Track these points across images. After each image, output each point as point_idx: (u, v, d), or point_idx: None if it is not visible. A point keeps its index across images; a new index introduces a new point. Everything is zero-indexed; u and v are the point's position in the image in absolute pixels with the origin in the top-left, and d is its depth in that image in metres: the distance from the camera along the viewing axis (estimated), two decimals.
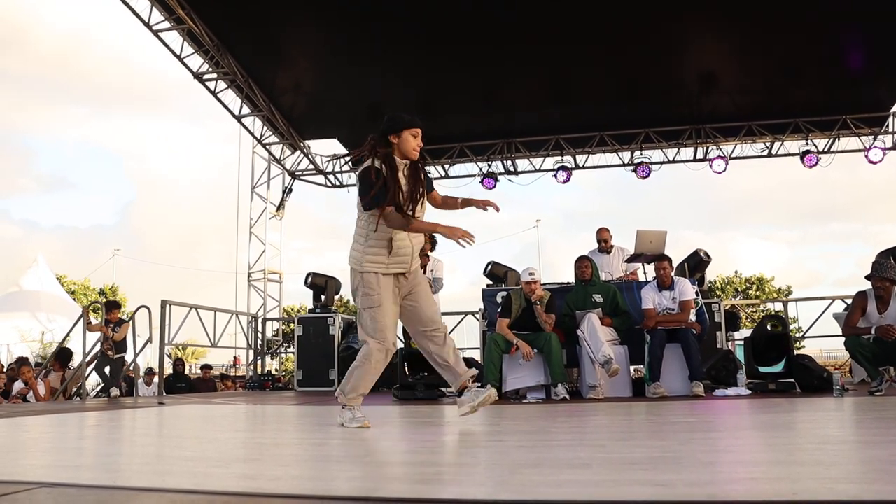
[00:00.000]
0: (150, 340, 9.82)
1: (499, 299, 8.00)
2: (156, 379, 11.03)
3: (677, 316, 7.13)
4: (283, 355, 14.77)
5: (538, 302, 7.00)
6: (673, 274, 7.48)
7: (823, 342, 13.70)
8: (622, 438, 3.34)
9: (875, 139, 12.93)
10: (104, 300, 12.96)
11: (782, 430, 3.75)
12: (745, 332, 9.46)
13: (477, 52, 11.20)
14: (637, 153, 13.50)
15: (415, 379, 7.67)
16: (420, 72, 11.94)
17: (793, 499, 1.84)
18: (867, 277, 6.61)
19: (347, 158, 13.61)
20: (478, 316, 10.29)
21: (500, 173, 13.92)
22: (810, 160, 12.80)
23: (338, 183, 14.77)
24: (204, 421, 5.14)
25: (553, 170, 13.59)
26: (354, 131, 13.93)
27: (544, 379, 6.90)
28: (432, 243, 8.62)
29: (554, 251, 59.47)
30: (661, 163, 13.57)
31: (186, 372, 15.59)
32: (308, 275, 11.09)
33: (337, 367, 10.23)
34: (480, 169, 13.94)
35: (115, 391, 9.63)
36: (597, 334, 6.74)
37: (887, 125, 12.97)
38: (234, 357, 22.06)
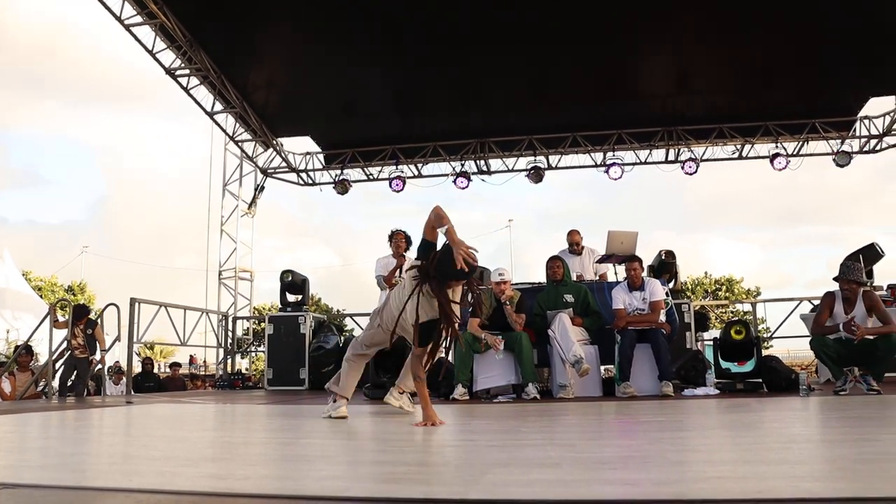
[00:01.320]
0: (118, 339, 9.72)
1: (470, 298, 8.00)
2: (124, 378, 10.93)
3: (647, 316, 7.19)
4: (254, 354, 14.68)
5: (508, 302, 7.03)
6: (643, 275, 7.55)
7: (791, 342, 13.87)
8: (592, 438, 3.36)
9: (843, 143, 13.12)
10: (72, 298, 12.80)
11: (749, 430, 3.80)
12: (715, 333, 9.56)
13: (452, 52, 11.19)
14: (609, 154, 13.56)
15: (386, 378, 7.65)
16: (394, 71, 11.90)
17: (759, 497, 1.87)
18: (835, 279, 6.71)
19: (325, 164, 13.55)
20: None
21: (474, 173, 13.92)
22: (780, 163, 12.95)
23: (310, 181, 14.68)
24: (172, 420, 5.10)
25: (526, 170, 13.62)
26: (328, 129, 13.88)
27: (515, 378, 6.93)
28: (407, 244, 8.62)
29: (527, 251, 59.59)
30: (634, 164, 13.65)
31: (155, 371, 15.45)
32: (285, 272, 11.01)
33: (308, 366, 10.18)
34: (454, 168, 13.94)
35: (81, 390, 9.52)
36: (567, 334, 6.77)
37: (854, 129, 13.16)
38: (191, 356, 21.86)
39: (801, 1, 10.01)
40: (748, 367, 7.31)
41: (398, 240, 8.56)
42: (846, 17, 10.28)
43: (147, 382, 12.94)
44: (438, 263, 4.10)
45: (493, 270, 7.36)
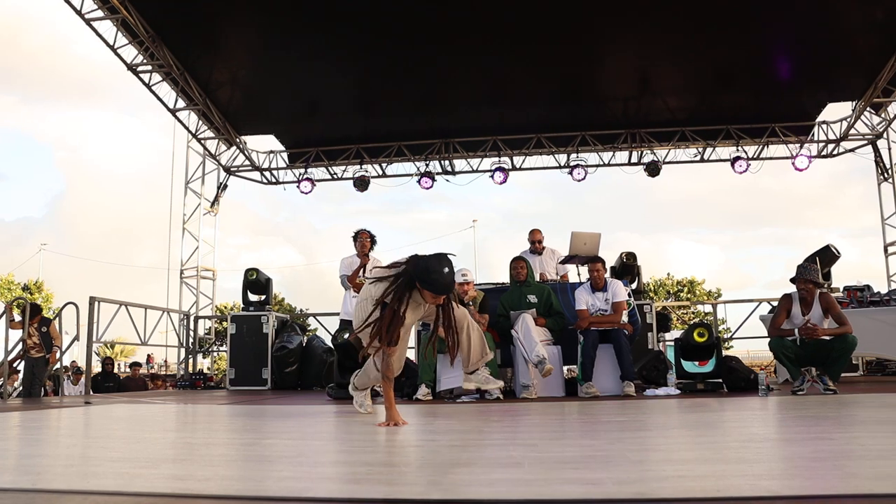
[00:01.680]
0: (77, 338, 9.57)
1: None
2: (83, 378, 10.76)
3: (610, 317, 7.24)
4: (216, 354, 14.55)
5: (471, 303, 7.05)
6: (606, 276, 7.60)
7: (750, 343, 14.11)
8: (554, 438, 3.38)
9: (801, 147, 13.35)
10: (29, 297, 12.57)
11: (709, 429, 3.84)
12: (676, 333, 9.67)
13: (417, 52, 11.20)
14: (573, 156, 13.66)
15: (349, 378, 7.61)
16: (360, 70, 11.87)
17: (718, 495, 1.89)
18: (792, 280, 6.82)
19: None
20: None
21: (438, 173, 13.95)
22: (740, 166, 13.15)
23: (274, 180, 14.58)
24: (132, 421, 5.03)
25: (490, 170, 13.67)
26: (292, 128, 13.81)
27: None
28: (371, 243, 8.61)
29: (492, 251, 59.84)
30: (597, 166, 13.78)
31: (115, 370, 15.24)
32: (249, 270, 10.92)
33: (270, 366, 10.11)
34: (418, 168, 13.94)
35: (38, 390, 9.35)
36: (531, 334, 6.80)
37: (813, 134, 13.41)
38: (148, 355, 21.59)
39: (761, 10, 10.19)
40: (708, 367, 7.40)
41: (363, 239, 8.53)
42: (805, 27, 10.50)
43: (107, 382, 12.76)
44: (424, 271, 4.10)
45: (456, 271, 7.36)
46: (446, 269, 4.08)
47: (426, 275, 4.08)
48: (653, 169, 13.29)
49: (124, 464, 2.72)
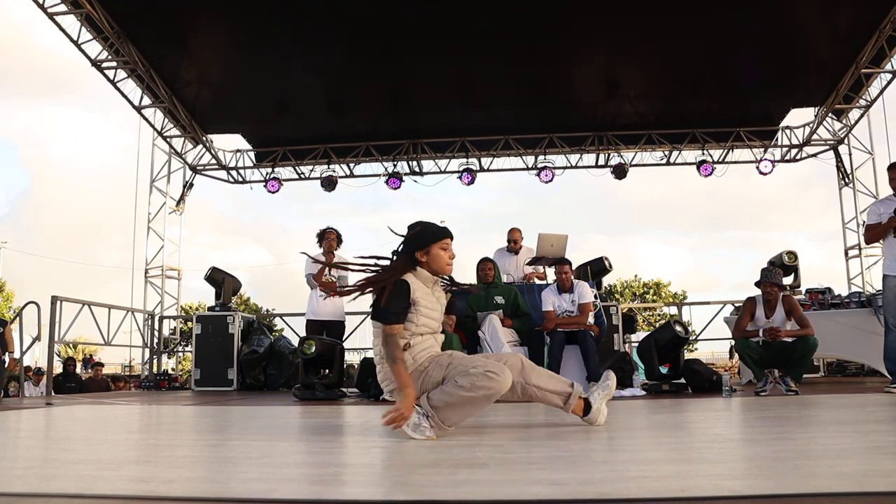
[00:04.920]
0: (38, 338, 9.41)
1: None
2: (44, 379, 10.59)
3: (576, 318, 7.29)
4: (181, 354, 14.39)
5: None
6: (573, 277, 7.64)
7: (714, 345, 14.28)
8: (520, 438, 3.39)
9: (765, 152, 13.55)
10: None
11: (673, 430, 3.88)
12: (642, 335, 9.75)
13: (386, 52, 11.18)
14: (541, 157, 13.72)
15: (315, 379, 7.59)
16: (328, 69, 11.82)
17: (681, 495, 1.91)
18: (757, 284, 6.93)
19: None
20: None
21: (406, 174, 13.93)
22: (706, 169, 13.29)
23: (240, 179, 14.47)
24: (94, 422, 4.96)
25: (458, 172, 13.68)
26: (259, 127, 13.71)
27: None
28: (338, 242, 8.57)
29: (459, 252, 59.84)
30: (564, 168, 13.85)
31: (78, 371, 15.01)
32: (210, 269, 10.84)
33: (236, 366, 10.03)
34: (386, 169, 13.92)
35: None
36: (497, 335, 6.82)
37: (776, 139, 13.61)
38: (90, 356, 21.29)
39: (727, 16, 10.34)
40: (673, 368, 7.47)
41: (329, 238, 8.50)
42: (769, 34, 10.69)
43: (68, 383, 12.57)
44: (417, 235, 3.62)
45: None
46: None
47: (421, 233, 3.60)
48: (619, 171, 13.39)
49: (86, 466, 2.69)
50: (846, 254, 13.47)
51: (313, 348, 7.48)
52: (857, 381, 9.20)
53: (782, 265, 9.66)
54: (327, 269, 8.46)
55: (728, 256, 74.99)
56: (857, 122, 12.79)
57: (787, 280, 9.16)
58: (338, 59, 11.45)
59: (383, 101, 12.78)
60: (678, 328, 7.46)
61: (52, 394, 9.70)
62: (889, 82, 11.49)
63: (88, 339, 12.95)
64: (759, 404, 5.39)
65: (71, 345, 23.69)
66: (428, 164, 14.07)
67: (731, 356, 10.19)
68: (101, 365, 15.34)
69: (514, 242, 9.01)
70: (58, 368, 14.21)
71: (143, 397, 8.76)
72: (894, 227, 6.36)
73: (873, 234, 6.61)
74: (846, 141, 13.19)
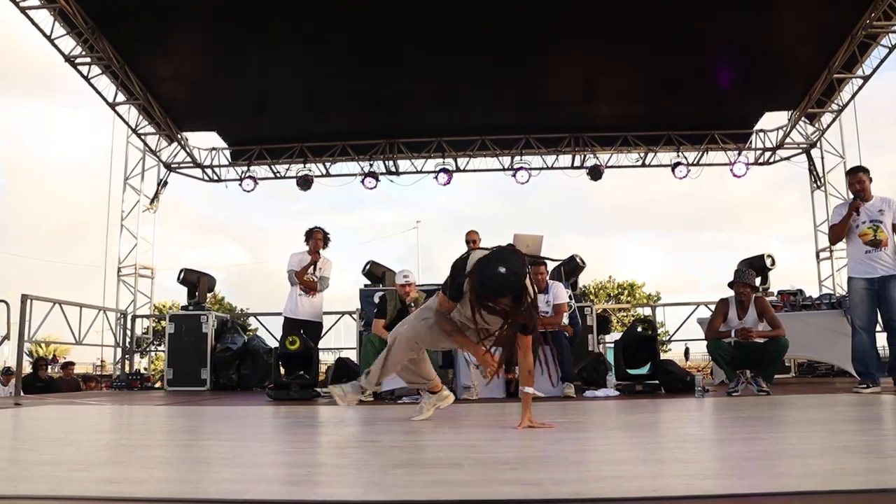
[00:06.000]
0: (7, 337, 9.30)
1: (376, 299, 8.00)
2: (13, 379, 10.45)
3: (550, 319, 7.32)
4: (153, 354, 14.27)
5: (413, 304, 7.05)
6: (548, 278, 7.67)
7: (690, 346, 14.39)
8: (494, 439, 3.40)
9: (739, 154, 13.67)
10: None
11: (647, 430, 3.91)
12: (616, 336, 9.81)
13: (363, 51, 11.13)
14: (517, 158, 13.75)
15: (289, 378, 7.56)
16: (305, 67, 11.76)
17: (653, 495, 1.93)
18: (730, 285, 7.00)
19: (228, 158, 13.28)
20: (355, 316, 10.26)
21: (382, 173, 13.90)
22: (681, 172, 13.39)
23: (216, 177, 14.36)
24: (64, 422, 4.91)
25: (434, 171, 13.68)
26: (235, 125, 13.61)
27: None
28: (325, 240, 8.57)
29: (438, 252, 59.98)
30: (541, 169, 13.89)
31: (49, 371, 14.83)
32: (181, 271, 10.77)
33: (210, 366, 9.96)
34: (362, 168, 13.88)
35: None
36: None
37: (750, 142, 13.74)
38: (53, 355, 21.04)
39: (704, 21, 10.42)
40: (646, 369, 7.52)
41: (316, 238, 8.50)
42: (743, 38, 10.81)
43: (38, 383, 12.42)
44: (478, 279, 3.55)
45: (398, 272, 7.38)
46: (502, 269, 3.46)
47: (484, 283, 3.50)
48: (595, 173, 13.44)
49: (55, 467, 2.65)
50: (818, 256, 13.62)
51: (297, 344, 7.45)
52: (827, 381, 9.32)
53: (763, 267, 9.77)
54: (311, 268, 8.47)
55: (704, 258, 75.74)
56: (829, 126, 12.93)
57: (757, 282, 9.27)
58: (315, 57, 11.40)
59: (360, 101, 12.73)
60: (640, 328, 7.52)
61: (22, 394, 9.57)
62: (860, 87, 11.65)
63: (59, 339, 12.79)
64: (731, 404, 5.44)
65: (42, 344, 23.41)
66: (404, 164, 14.05)
67: (687, 357, 10.28)
68: (73, 364, 15.16)
69: (472, 243, 9.06)
70: (28, 368, 14.03)
71: (115, 397, 8.68)
72: (856, 209, 6.56)
73: (835, 232, 6.82)
74: (818, 145, 13.34)
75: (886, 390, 6.31)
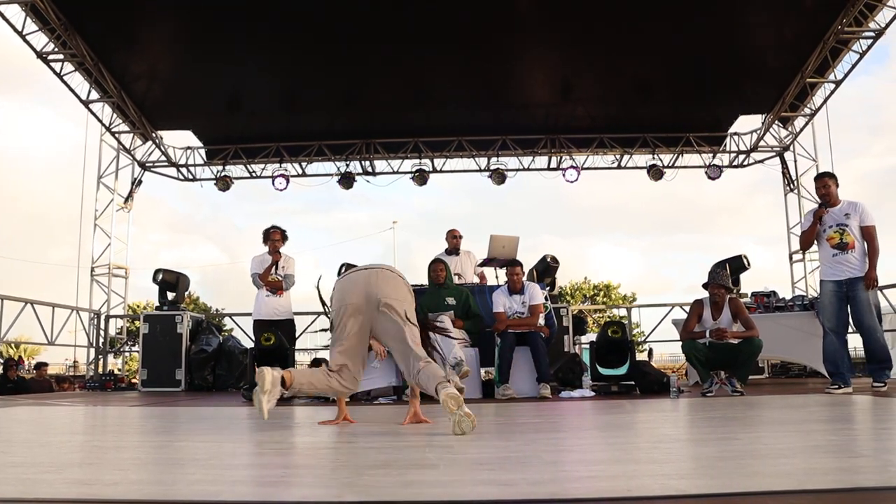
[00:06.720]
0: None
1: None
2: None
3: (527, 320, 7.33)
4: (128, 354, 14.14)
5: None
6: (524, 279, 7.70)
7: (664, 347, 14.50)
8: (470, 439, 3.40)
9: (714, 157, 13.80)
10: None
11: (622, 430, 3.94)
12: (591, 336, 9.85)
13: (340, 51, 11.10)
14: (494, 160, 13.78)
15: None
16: (282, 67, 11.72)
17: (628, 495, 1.94)
18: (704, 286, 7.06)
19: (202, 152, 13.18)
20: (331, 315, 10.20)
21: (358, 173, 13.87)
22: (656, 174, 13.51)
23: (191, 176, 14.25)
24: (36, 424, 4.85)
25: (411, 172, 13.67)
26: (210, 124, 13.52)
27: (395, 380, 6.92)
28: (283, 239, 8.52)
29: (415, 252, 59.94)
30: (517, 170, 13.93)
31: (19, 372, 14.63)
32: (157, 271, 10.67)
33: (185, 366, 9.88)
34: (338, 168, 13.84)
35: None
36: (448, 336, 6.82)
37: (725, 145, 13.87)
38: (20, 357, 20.76)
39: (679, 24, 10.52)
40: (622, 370, 7.56)
41: (274, 237, 8.46)
42: (717, 43, 10.92)
43: (8, 384, 12.25)
44: None
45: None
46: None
47: None
48: (571, 175, 13.51)
49: (26, 469, 2.62)
50: (790, 258, 13.77)
51: (272, 340, 7.41)
52: (799, 382, 9.43)
53: (741, 267, 9.88)
54: (273, 267, 8.43)
55: (679, 259, 76.33)
56: (801, 130, 13.11)
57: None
58: (291, 56, 11.35)
59: (337, 101, 12.70)
60: (609, 331, 7.56)
61: None
62: (832, 92, 11.81)
63: (31, 339, 12.64)
64: (706, 405, 5.49)
65: (12, 344, 23.12)
66: (381, 165, 14.03)
67: (650, 357, 10.36)
68: (46, 365, 14.98)
69: (455, 240, 9.07)
70: None
71: (88, 398, 8.58)
72: (820, 218, 6.76)
73: (804, 239, 7.03)
74: (792, 148, 13.50)
75: (857, 391, 6.40)
